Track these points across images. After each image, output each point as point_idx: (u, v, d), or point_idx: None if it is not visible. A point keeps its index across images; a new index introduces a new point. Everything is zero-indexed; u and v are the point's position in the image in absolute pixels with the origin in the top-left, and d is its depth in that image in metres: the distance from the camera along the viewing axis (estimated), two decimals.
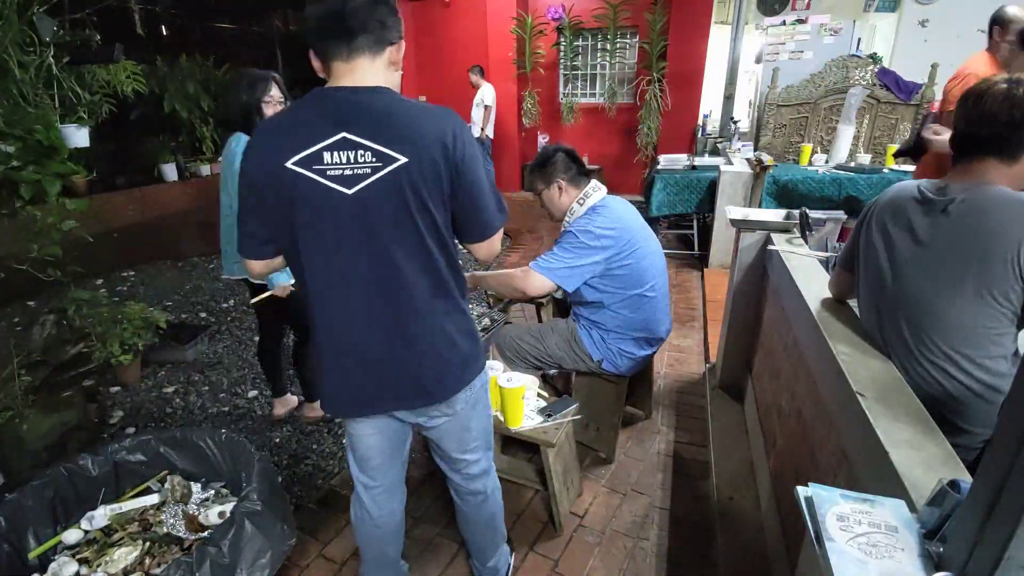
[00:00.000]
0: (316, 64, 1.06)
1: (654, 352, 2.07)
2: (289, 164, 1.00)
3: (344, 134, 1.00)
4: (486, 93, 6.24)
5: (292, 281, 1.91)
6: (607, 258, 1.85)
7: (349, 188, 1.01)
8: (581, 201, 1.92)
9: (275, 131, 1.05)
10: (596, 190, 1.94)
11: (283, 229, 1.08)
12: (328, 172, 1.01)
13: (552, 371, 2.17)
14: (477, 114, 6.29)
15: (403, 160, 1.01)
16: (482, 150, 6.23)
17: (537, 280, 1.83)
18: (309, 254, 1.08)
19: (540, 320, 2.45)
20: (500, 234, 1.21)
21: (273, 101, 1.95)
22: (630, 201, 2.09)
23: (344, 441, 1.36)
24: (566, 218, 1.95)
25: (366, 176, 1.01)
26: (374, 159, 1.00)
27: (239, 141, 1.92)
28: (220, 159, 1.97)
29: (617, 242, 1.85)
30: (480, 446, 1.39)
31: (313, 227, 1.05)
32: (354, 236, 1.05)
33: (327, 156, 1.00)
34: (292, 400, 2.55)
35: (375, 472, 1.36)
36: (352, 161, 1.00)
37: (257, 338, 2.54)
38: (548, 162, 1.95)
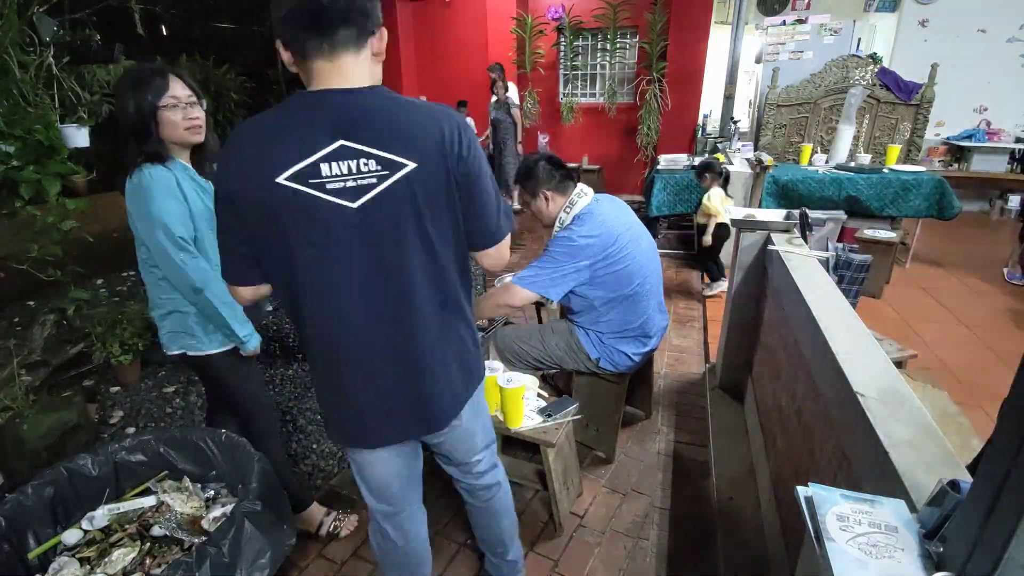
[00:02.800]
0: (286, 56, 0.93)
1: (652, 350, 2.06)
2: (281, 180, 0.89)
3: (342, 142, 0.90)
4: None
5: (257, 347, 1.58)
6: (590, 264, 1.85)
7: (353, 201, 0.92)
8: (567, 209, 1.93)
9: (258, 141, 0.92)
10: (581, 196, 1.94)
11: (272, 253, 0.97)
12: (327, 185, 0.91)
13: (553, 371, 2.17)
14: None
15: (412, 165, 0.93)
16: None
17: (520, 293, 1.85)
18: (307, 278, 0.97)
19: (540, 321, 2.45)
20: (508, 240, 1.14)
21: (179, 103, 1.40)
22: (630, 201, 2.08)
23: (352, 470, 1.28)
24: (556, 225, 1.96)
25: (372, 187, 0.92)
26: (379, 167, 0.92)
27: (147, 170, 1.38)
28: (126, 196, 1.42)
29: (601, 248, 1.85)
30: (486, 445, 1.38)
31: (311, 248, 0.94)
32: (359, 254, 0.96)
33: (325, 168, 0.90)
34: None
35: (395, 498, 1.28)
36: (354, 171, 0.91)
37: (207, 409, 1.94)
38: (531, 174, 1.94)
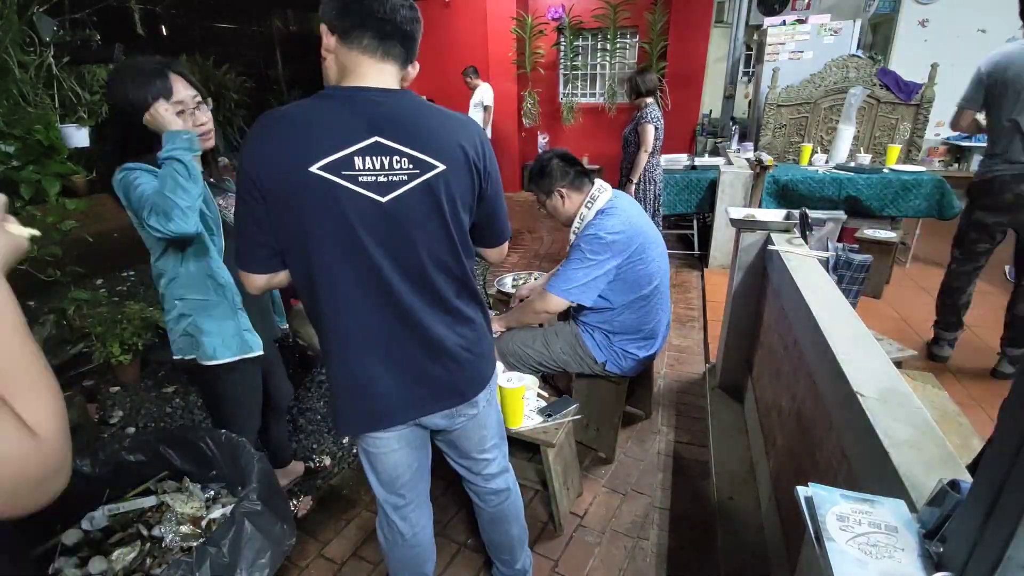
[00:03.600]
0: (330, 41, 0.96)
1: (656, 352, 2.06)
2: (314, 169, 0.91)
3: (377, 138, 0.94)
4: (485, 93, 6.16)
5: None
6: (619, 264, 1.83)
7: (383, 196, 0.96)
8: (589, 204, 1.89)
9: (293, 129, 0.93)
10: (602, 191, 1.91)
11: (296, 240, 0.99)
12: (359, 178, 0.94)
13: (556, 372, 2.16)
14: (476, 115, 6.25)
15: (441, 167, 0.99)
16: None
17: (556, 302, 1.86)
18: (329, 265, 1.00)
19: (541, 324, 2.44)
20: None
21: (185, 108, 1.29)
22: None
23: (361, 462, 1.29)
24: (575, 223, 1.91)
25: (402, 183, 0.97)
26: (411, 166, 0.97)
27: (133, 167, 1.27)
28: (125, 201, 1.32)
29: (629, 244, 1.82)
30: (496, 443, 1.39)
31: (337, 236, 0.97)
32: (384, 245, 1.00)
33: (358, 161, 0.93)
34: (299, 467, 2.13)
35: (406, 487, 1.30)
36: (386, 167, 0.95)
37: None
38: (544, 171, 1.91)
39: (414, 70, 1.06)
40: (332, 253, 0.99)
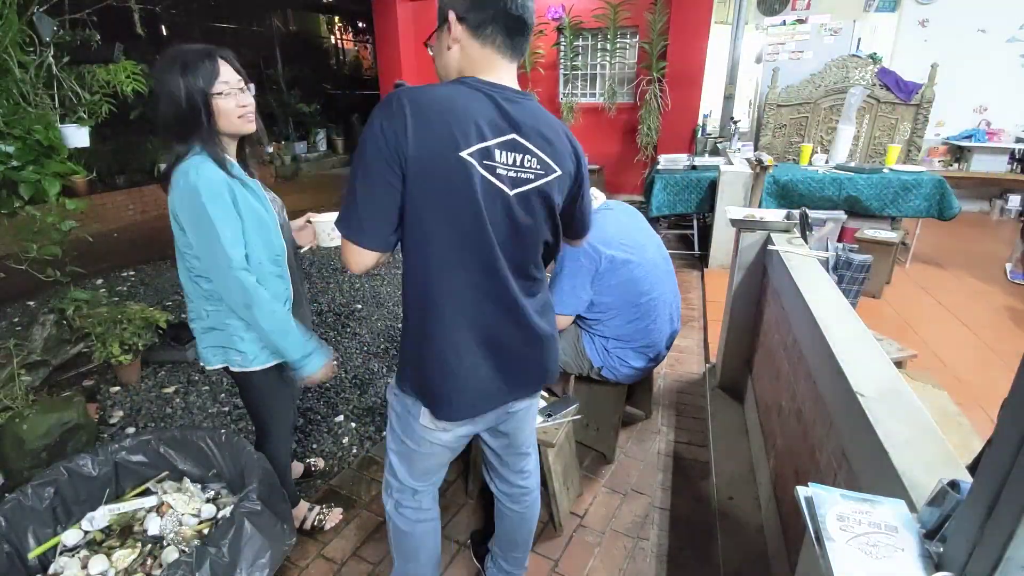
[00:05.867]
0: (457, 29, 1.00)
1: (655, 365, 2.05)
2: (464, 154, 0.95)
3: (515, 136, 1.00)
4: None
5: (326, 360, 1.48)
6: (598, 270, 1.85)
7: (511, 189, 1.02)
8: None
9: (440, 111, 0.95)
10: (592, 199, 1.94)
11: (426, 221, 1.00)
12: (497, 170, 0.99)
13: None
14: None
15: (558, 172, 1.06)
16: None
17: (563, 321, 1.90)
18: (450, 251, 1.02)
19: None
20: None
21: (232, 90, 1.30)
22: (630, 201, 2.09)
23: (392, 458, 1.30)
24: None
25: (529, 181, 1.03)
26: (539, 167, 1.04)
27: (196, 168, 1.26)
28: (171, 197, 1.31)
29: (602, 251, 1.83)
30: (535, 441, 1.46)
31: (465, 221, 1.00)
32: (502, 236, 1.04)
33: (497, 153, 0.99)
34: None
35: (429, 478, 1.34)
36: (519, 164, 1.01)
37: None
38: None
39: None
40: (455, 236, 1.01)
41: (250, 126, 1.37)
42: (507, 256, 1.07)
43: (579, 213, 1.22)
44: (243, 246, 1.32)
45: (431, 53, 1.13)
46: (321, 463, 2.21)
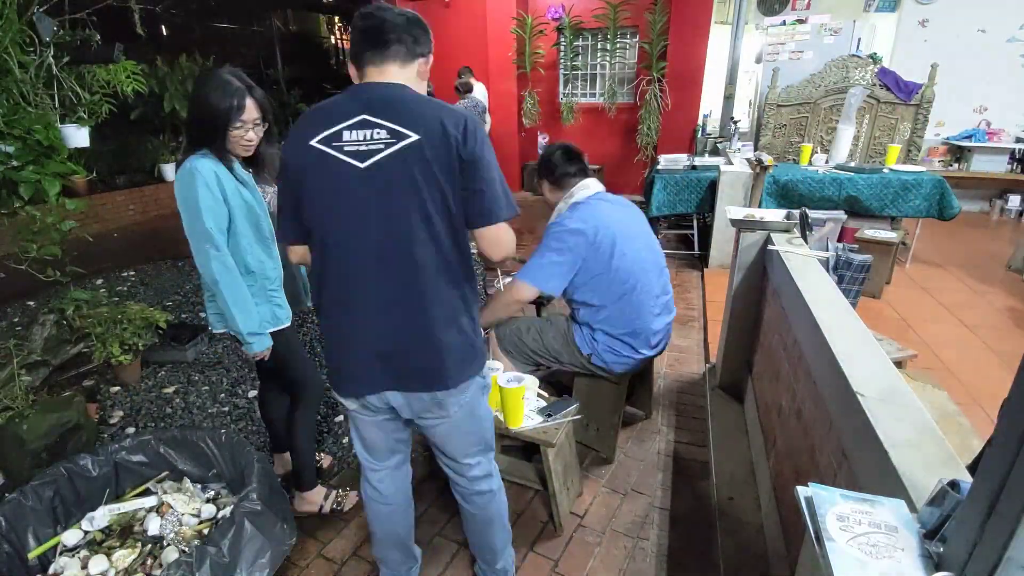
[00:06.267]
0: (352, 72, 1.19)
1: (646, 357, 2.04)
2: (312, 142, 1.11)
3: (365, 116, 1.10)
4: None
5: (269, 344, 1.65)
6: (583, 254, 1.86)
7: (362, 162, 1.10)
8: (567, 199, 1.98)
9: (309, 117, 1.15)
10: (582, 189, 1.97)
11: (306, 210, 1.16)
12: (345, 148, 1.10)
13: (553, 367, 2.16)
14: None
15: (414, 137, 1.09)
16: None
17: (522, 287, 1.88)
18: (325, 231, 1.16)
19: (539, 316, 2.45)
20: (508, 230, 1.20)
21: (247, 126, 1.52)
22: (631, 201, 2.09)
23: (350, 431, 1.42)
24: (553, 215, 2.00)
25: (379, 151, 1.09)
26: (387, 136, 1.10)
27: (197, 161, 1.47)
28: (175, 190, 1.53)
29: (591, 236, 1.85)
30: (479, 451, 1.41)
31: (328, 202, 1.13)
32: (365, 208, 1.12)
33: (346, 134, 1.10)
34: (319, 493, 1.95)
35: (378, 457, 1.42)
36: (368, 139, 1.10)
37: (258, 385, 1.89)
38: (541, 161, 2.06)
39: (426, 66, 1.22)
40: (326, 218, 1.15)
41: (245, 153, 1.60)
42: (374, 228, 1.12)
43: (469, 191, 1.13)
44: (224, 232, 1.52)
45: None
46: (328, 460, 2.22)
